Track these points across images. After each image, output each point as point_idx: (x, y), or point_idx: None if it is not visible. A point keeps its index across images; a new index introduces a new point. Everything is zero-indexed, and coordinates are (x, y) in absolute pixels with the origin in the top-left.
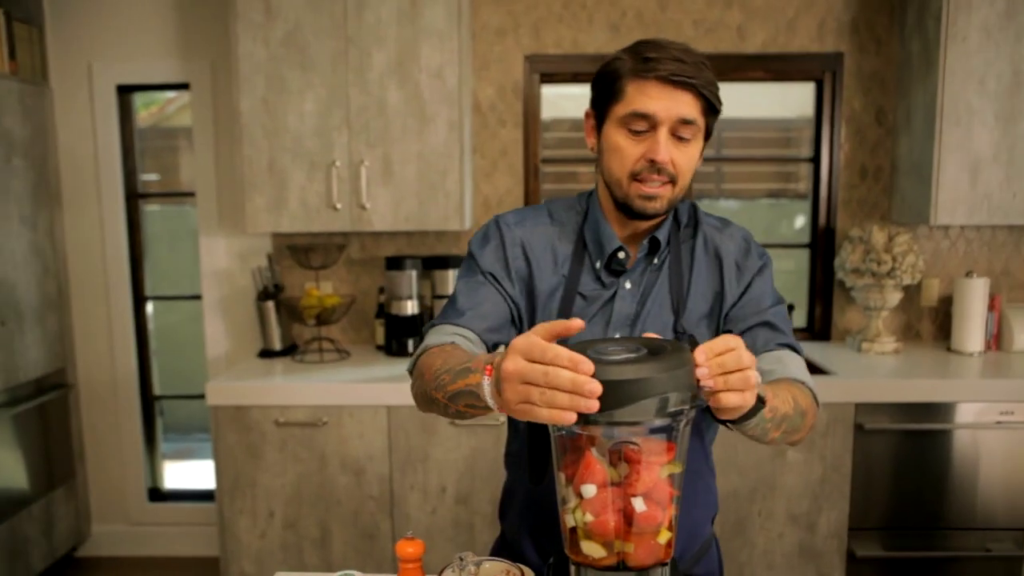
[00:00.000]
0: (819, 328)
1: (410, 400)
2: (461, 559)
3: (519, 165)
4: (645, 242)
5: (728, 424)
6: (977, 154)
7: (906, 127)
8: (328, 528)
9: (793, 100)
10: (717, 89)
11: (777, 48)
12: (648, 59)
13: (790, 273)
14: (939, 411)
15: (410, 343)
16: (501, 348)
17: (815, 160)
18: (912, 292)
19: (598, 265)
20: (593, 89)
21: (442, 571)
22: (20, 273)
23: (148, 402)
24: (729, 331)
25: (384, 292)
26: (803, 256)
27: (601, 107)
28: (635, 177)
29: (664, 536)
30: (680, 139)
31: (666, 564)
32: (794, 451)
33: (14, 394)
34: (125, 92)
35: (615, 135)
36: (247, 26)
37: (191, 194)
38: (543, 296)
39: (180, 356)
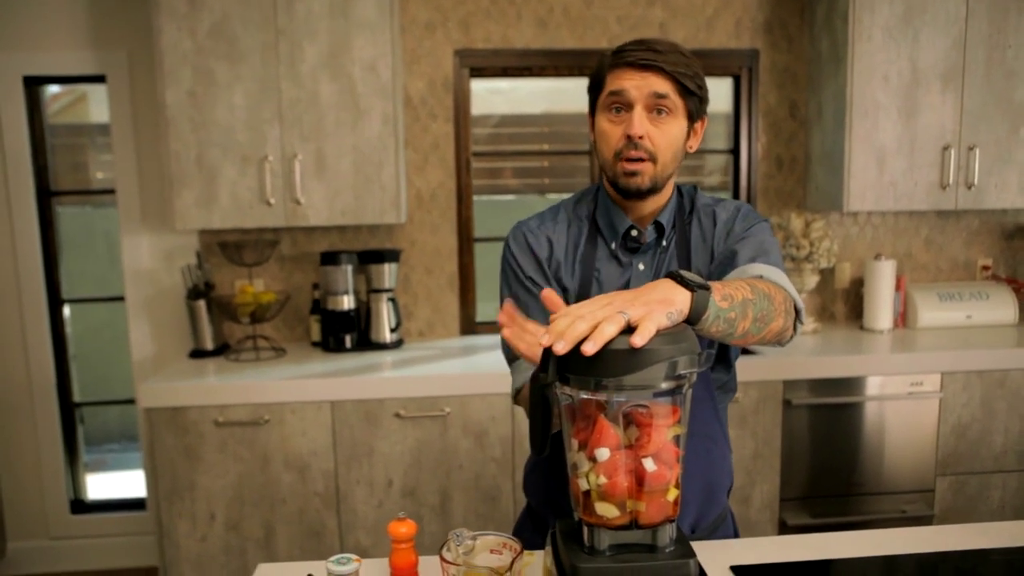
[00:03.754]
0: None
1: (354, 394)
2: (458, 535)
3: (450, 159)
4: (651, 226)
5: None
6: (883, 145)
7: (818, 120)
8: (272, 527)
9: None
10: (691, 72)
11: (697, 44)
12: (622, 51)
13: None
14: (856, 385)
15: (347, 338)
16: None
17: (735, 152)
18: (827, 275)
19: (613, 246)
20: (588, 92)
21: (440, 548)
22: None
23: (67, 409)
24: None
25: (319, 288)
26: None
27: (591, 103)
28: (619, 156)
29: (672, 494)
30: (657, 114)
31: (673, 520)
32: (730, 429)
33: None
34: (33, 84)
35: (601, 121)
36: (171, 16)
37: (109, 191)
38: (570, 286)
39: (99, 361)
